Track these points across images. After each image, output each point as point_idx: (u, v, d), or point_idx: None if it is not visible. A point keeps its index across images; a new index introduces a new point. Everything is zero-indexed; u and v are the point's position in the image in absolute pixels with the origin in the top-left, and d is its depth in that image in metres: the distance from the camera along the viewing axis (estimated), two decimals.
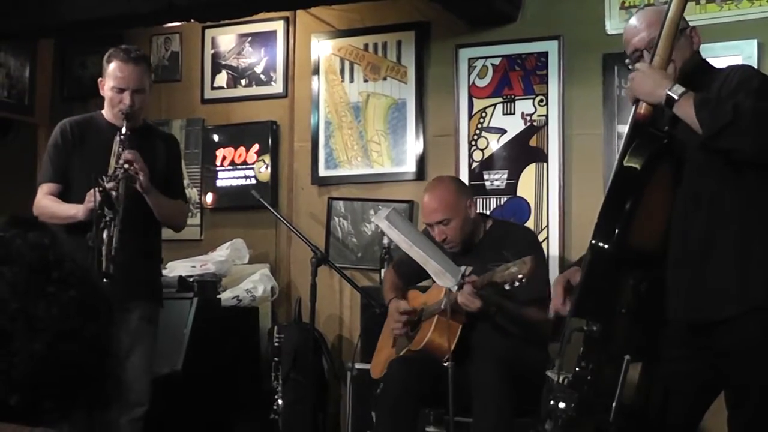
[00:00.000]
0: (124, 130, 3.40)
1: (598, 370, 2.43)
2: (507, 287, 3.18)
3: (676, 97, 2.36)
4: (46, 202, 3.49)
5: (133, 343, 3.41)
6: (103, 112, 3.61)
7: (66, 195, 3.51)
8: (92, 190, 3.26)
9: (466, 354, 3.46)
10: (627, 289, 2.44)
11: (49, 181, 3.54)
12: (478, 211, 3.81)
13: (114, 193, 3.24)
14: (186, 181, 5.26)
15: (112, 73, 3.49)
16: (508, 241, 3.56)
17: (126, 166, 3.32)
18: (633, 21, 2.65)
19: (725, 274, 2.42)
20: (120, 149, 3.36)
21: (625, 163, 2.44)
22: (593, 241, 2.45)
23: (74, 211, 3.38)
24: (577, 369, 2.45)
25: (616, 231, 2.39)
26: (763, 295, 2.40)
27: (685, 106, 2.34)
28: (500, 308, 3.43)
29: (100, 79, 3.59)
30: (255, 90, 5.22)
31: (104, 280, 3.14)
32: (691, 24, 2.64)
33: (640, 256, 2.47)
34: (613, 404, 2.37)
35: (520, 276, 3.12)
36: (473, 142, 4.60)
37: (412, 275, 3.76)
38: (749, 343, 2.40)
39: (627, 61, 2.67)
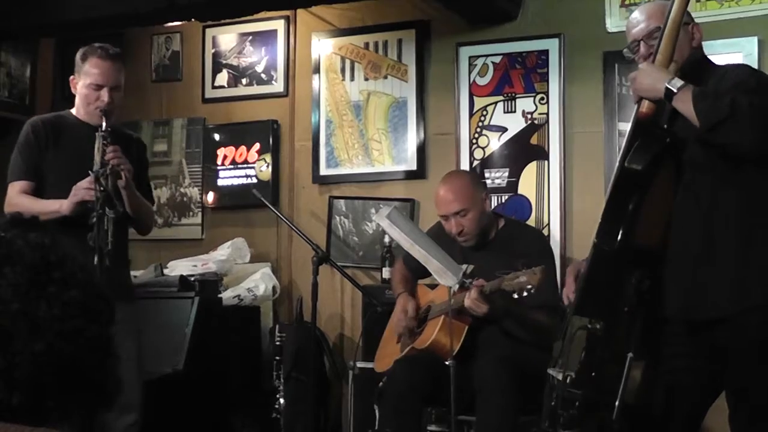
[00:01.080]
0: (104, 126, 3.34)
1: (600, 369, 2.43)
2: (515, 296, 3.18)
3: (674, 90, 2.37)
4: (22, 200, 3.38)
5: (120, 343, 3.33)
6: (73, 111, 3.54)
7: (38, 194, 3.42)
8: (81, 184, 3.23)
9: (471, 353, 3.46)
10: (629, 287, 2.44)
11: (22, 178, 3.44)
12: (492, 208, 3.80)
13: (103, 188, 3.22)
14: (188, 181, 5.30)
15: (89, 71, 3.43)
16: (520, 244, 3.56)
17: (113, 162, 3.27)
18: (635, 13, 2.67)
19: (724, 272, 2.42)
20: (103, 145, 3.30)
21: (627, 163, 2.44)
22: (596, 241, 2.45)
23: (57, 206, 3.29)
24: (579, 367, 2.45)
25: (621, 231, 2.38)
26: (761, 293, 2.39)
27: (684, 99, 2.36)
28: (508, 313, 3.43)
29: (71, 77, 3.52)
30: (256, 89, 5.22)
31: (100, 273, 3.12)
32: None
33: (643, 254, 2.47)
34: (616, 402, 2.36)
35: (528, 286, 3.12)
36: (474, 141, 4.60)
37: (421, 268, 3.76)
38: (748, 341, 2.40)
39: (625, 50, 2.68)
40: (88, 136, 3.36)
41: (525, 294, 3.14)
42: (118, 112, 3.58)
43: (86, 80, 3.44)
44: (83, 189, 3.26)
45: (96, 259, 3.10)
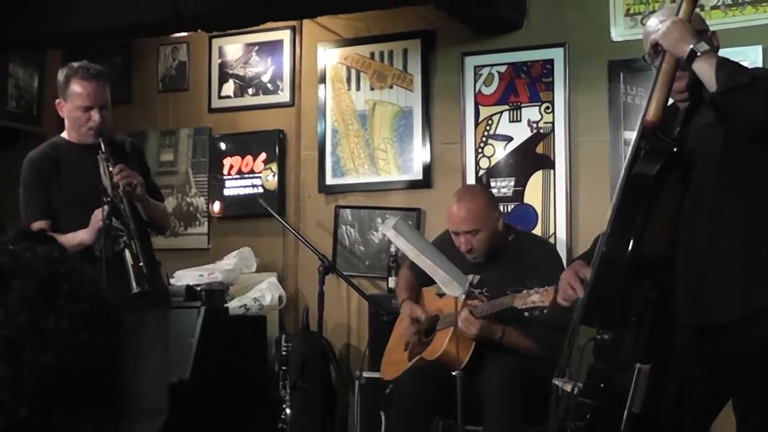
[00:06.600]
0: (103, 148, 3.31)
1: (609, 379, 2.42)
2: (526, 314, 3.17)
3: (698, 53, 2.37)
4: None
5: (152, 350, 3.37)
6: (65, 134, 3.49)
7: (55, 229, 3.37)
8: (98, 211, 3.23)
9: (481, 365, 3.45)
10: (637, 297, 2.43)
11: (38, 219, 3.39)
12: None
13: (122, 207, 3.22)
14: (194, 190, 5.31)
15: (74, 92, 3.36)
16: (531, 257, 3.55)
17: (123, 182, 3.25)
18: (652, 20, 2.64)
19: (732, 277, 2.42)
20: (109, 166, 3.28)
21: (636, 172, 2.43)
22: (605, 250, 2.44)
23: (80, 237, 3.27)
24: (587, 378, 2.44)
25: (631, 240, 2.38)
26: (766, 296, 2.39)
27: (706, 63, 2.36)
28: (504, 334, 3.42)
29: (57, 100, 3.45)
30: (262, 99, 5.23)
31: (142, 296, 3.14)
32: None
33: (651, 263, 2.46)
34: (625, 413, 2.36)
35: (541, 305, 3.11)
36: (480, 150, 4.60)
37: (427, 275, 3.75)
38: (755, 346, 2.39)
39: (645, 56, 2.63)
40: (86, 158, 3.35)
41: (537, 313, 3.14)
42: (114, 125, 3.56)
43: (75, 102, 3.38)
44: (96, 215, 3.25)
45: (103, 270, 3.12)
